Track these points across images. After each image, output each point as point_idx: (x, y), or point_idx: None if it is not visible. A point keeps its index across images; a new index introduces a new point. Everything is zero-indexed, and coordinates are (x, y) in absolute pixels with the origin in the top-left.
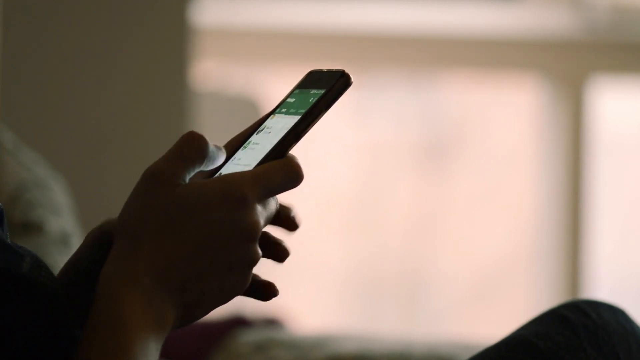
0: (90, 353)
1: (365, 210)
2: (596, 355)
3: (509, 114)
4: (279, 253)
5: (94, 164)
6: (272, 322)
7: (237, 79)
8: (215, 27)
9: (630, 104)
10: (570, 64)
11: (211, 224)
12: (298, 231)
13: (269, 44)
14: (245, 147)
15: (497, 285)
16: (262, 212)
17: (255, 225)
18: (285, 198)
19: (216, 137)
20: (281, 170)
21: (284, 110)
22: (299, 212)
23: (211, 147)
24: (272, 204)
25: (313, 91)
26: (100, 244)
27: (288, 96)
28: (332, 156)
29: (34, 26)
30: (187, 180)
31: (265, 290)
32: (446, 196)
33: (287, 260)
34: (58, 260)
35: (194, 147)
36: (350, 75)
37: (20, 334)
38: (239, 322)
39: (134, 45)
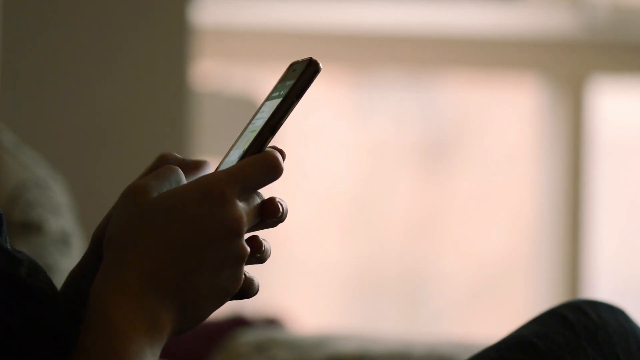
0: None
1: (365, 211)
2: (596, 355)
3: (509, 114)
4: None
5: (94, 164)
6: (272, 322)
7: (237, 79)
8: (215, 27)
9: (630, 104)
10: (570, 64)
11: (193, 223)
12: (298, 231)
13: (269, 44)
14: (233, 146)
15: (497, 285)
16: (245, 208)
17: (238, 220)
18: (286, 199)
19: (216, 137)
20: (258, 164)
21: (267, 104)
22: (284, 202)
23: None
24: (256, 200)
25: (287, 83)
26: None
27: (273, 90)
28: (332, 156)
29: (33, 26)
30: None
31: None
32: (446, 196)
33: (288, 260)
34: (58, 260)
35: (167, 164)
36: (319, 62)
37: (19, 337)
38: (239, 322)
39: (134, 45)
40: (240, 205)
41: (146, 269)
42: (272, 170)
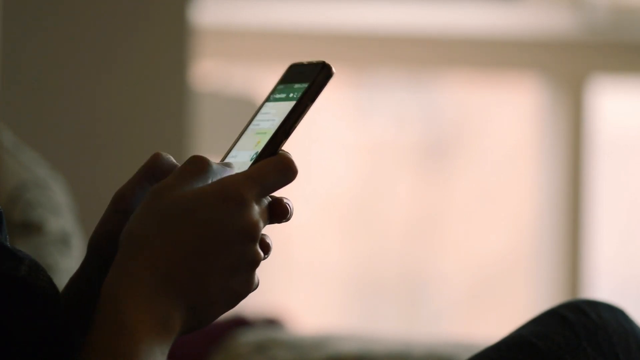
0: (93, 357)
1: (365, 211)
2: (596, 355)
3: (509, 114)
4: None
5: (94, 164)
6: (272, 322)
7: (237, 79)
8: (215, 27)
9: (630, 104)
10: (570, 64)
11: (210, 226)
12: (298, 231)
13: (269, 44)
14: (233, 147)
15: (497, 285)
16: (260, 212)
17: (254, 225)
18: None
19: (216, 137)
20: (275, 167)
21: (271, 106)
22: (291, 201)
23: (214, 165)
24: (264, 202)
25: (297, 85)
26: (100, 252)
27: (273, 92)
28: (332, 156)
29: (33, 26)
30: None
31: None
32: (446, 196)
33: (288, 260)
34: (58, 260)
35: (196, 164)
36: (332, 66)
37: (19, 336)
38: (239, 322)
39: (134, 45)
40: (257, 209)
41: (160, 267)
42: (289, 172)
